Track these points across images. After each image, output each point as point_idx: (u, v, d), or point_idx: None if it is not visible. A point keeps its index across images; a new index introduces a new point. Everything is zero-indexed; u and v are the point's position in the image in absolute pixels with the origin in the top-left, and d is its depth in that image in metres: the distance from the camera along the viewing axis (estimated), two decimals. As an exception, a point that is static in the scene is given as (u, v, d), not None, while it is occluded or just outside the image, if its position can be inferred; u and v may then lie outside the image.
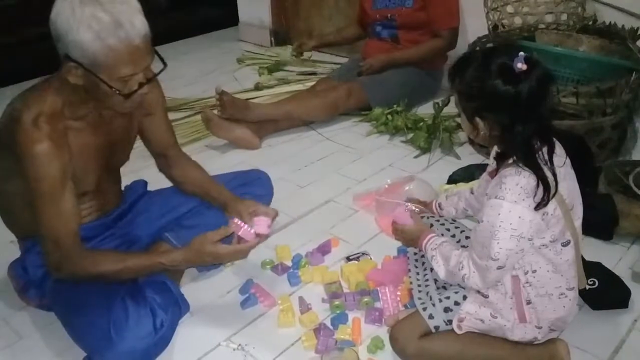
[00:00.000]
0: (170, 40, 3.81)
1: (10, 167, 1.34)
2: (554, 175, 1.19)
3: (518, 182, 1.17)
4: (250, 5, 3.91)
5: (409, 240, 1.49)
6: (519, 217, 1.18)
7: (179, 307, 1.47)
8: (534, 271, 1.25)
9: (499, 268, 1.23)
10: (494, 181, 1.25)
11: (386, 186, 2.07)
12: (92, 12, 1.18)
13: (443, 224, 1.55)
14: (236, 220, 1.48)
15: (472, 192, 1.54)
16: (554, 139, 1.25)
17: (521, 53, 1.16)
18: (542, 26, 2.39)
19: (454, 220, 1.58)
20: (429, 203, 1.68)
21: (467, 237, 1.50)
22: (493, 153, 1.33)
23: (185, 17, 4.15)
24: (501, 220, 1.18)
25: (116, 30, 1.19)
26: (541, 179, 1.17)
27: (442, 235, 1.47)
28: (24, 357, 1.48)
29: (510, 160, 1.21)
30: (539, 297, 1.27)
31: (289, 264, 1.76)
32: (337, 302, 1.56)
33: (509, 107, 1.17)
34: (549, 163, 1.20)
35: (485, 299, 1.30)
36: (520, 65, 1.15)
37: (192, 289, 1.64)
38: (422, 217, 1.59)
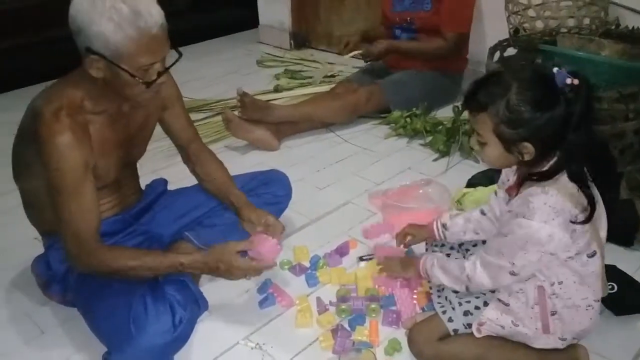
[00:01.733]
0: (191, 41, 3.85)
1: (33, 163, 1.36)
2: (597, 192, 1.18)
3: (546, 201, 1.15)
4: (271, 7, 3.93)
5: (403, 267, 1.52)
6: (549, 235, 1.16)
7: (197, 305, 1.48)
8: (560, 282, 1.24)
9: (512, 274, 1.22)
10: (518, 200, 1.21)
11: (399, 187, 2.07)
12: (112, 4, 1.21)
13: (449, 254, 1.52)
14: (260, 233, 1.49)
15: (482, 213, 1.46)
16: None
17: (560, 69, 1.12)
18: (564, 30, 2.37)
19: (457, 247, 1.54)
20: (425, 226, 1.58)
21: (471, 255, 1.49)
22: (511, 169, 1.31)
23: (205, 18, 4.18)
24: (528, 240, 1.17)
25: (136, 20, 1.22)
26: (588, 195, 1.14)
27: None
28: (46, 351, 1.50)
29: (534, 178, 1.19)
30: (565, 308, 1.25)
31: (307, 264, 1.76)
32: (343, 307, 1.56)
33: (562, 126, 1.13)
34: (590, 178, 1.18)
35: (506, 307, 1.29)
36: (570, 81, 1.11)
37: (211, 287, 1.65)
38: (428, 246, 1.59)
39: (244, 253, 1.43)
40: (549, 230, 1.15)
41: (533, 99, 1.13)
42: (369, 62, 2.91)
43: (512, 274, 1.22)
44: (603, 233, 1.26)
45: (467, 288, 1.32)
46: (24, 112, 1.42)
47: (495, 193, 1.42)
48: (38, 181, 1.39)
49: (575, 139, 1.14)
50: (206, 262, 1.42)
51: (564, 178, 1.17)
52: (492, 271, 1.25)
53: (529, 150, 1.17)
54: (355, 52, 2.76)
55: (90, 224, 1.36)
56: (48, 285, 1.55)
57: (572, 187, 1.16)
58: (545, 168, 1.19)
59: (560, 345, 1.30)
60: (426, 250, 1.61)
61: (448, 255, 1.53)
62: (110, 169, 1.46)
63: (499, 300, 1.30)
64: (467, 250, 1.51)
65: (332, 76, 3.28)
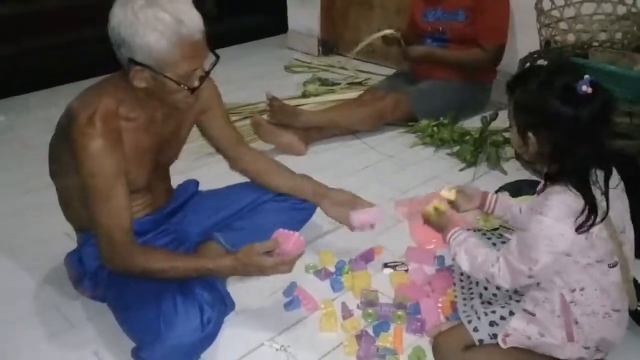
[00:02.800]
0: (220, 46, 3.87)
1: (69, 163, 1.39)
2: (607, 200, 1.17)
3: (564, 200, 1.16)
4: (300, 14, 3.97)
5: (437, 226, 1.48)
6: (561, 234, 1.17)
7: (225, 305, 1.50)
8: (582, 289, 1.23)
9: (530, 277, 1.22)
10: (540, 197, 1.24)
11: (425, 196, 2.07)
12: (154, 14, 1.23)
13: (485, 234, 1.55)
14: (281, 230, 1.51)
15: (520, 212, 1.50)
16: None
17: (587, 76, 1.14)
18: (596, 44, 2.35)
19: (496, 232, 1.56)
20: (476, 195, 1.56)
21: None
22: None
23: (234, 24, 4.22)
24: (542, 236, 1.18)
25: (179, 28, 1.24)
26: (590, 203, 1.15)
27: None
28: (75, 344, 1.53)
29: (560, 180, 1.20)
30: (585, 315, 1.25)
31: (332, 269, 1.77)
32: (370, 311, 1.56)
33: (566, 128, 1.16)
34: (602, 187, 1.18)
35: (533, 317, 1.28)
36: (585, 88, 1.13)
37: (238, 288, 1.67)
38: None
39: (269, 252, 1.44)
40: (561, 229, 1.16)
41: (549, 92, 1.16)
42: (398, 69, 2.91)
43: (530, 277, 1.22)
44: (628, 246, 1.26)
45: (487, 281, 1.31)
46: (58, 109, 1.45)
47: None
48: (73, 180, 1.42)
49: (580, 148, 1.16)
50: (235, 267, 1.43)
51: None
52: (514, 275, 1.24)
53: (531, 140, 1.21)
54: (363, 44, 2.72)
55: (123, 225, 1.38)
56: (80, 281, 1.58)
57: (599, 195, 1.17)
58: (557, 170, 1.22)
59: (585, 354, 1.29)
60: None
61: None
62: (142, 174, 1.48)
63: (525, 310, 1.30)
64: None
65: (360, 83, 3.29)
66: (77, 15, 3.45)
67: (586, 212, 1.15)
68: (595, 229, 1.18)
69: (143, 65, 1.28)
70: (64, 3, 3.46)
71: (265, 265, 1.41)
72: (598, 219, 1.16)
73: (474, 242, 1.35)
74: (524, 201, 1.85)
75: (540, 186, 1.33)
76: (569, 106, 1.14)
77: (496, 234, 1.61)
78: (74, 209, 1.56)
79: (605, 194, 1.18)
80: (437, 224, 1.46)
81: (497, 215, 1.56)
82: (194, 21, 1.27)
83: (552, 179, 1.22)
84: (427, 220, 1.50)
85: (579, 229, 1.16)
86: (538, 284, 1.26)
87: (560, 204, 1.16)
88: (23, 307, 1.66)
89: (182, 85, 1.31)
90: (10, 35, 3.29)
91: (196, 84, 1.34)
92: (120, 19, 1.24)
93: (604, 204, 1.18)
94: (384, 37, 2.80)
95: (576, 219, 1.16)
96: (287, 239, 1.44)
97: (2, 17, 3.26)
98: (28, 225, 2.05)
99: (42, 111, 2.85)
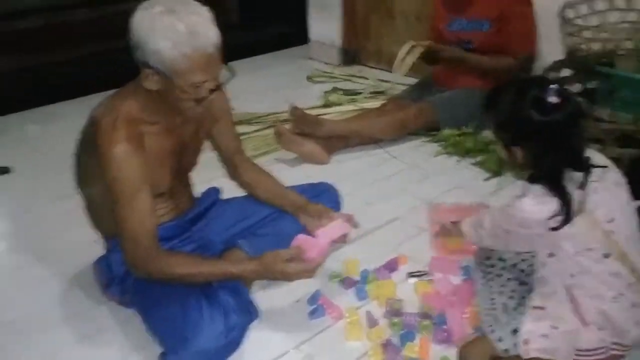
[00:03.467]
0: (242, 56, 3.92)
1: (94, 170, 1.41)
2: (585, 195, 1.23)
3: (535, 192, 1.24)
4: (322, 24, 3.99)
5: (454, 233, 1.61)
6: (529, 211, 1.24)
7: (249, 312, 1.51)
8: (580, 273, 1.26)
9: (507, 232, 1.32)
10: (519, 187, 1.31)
11: (452, 205, 2.06)
12: (170, 23, 1.25)
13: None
14: (301, 236, 1.52)
15: None
16: (609, 160, 1.32)
17: (552, 86, 1.21)
18: (622, 52, 2.32)
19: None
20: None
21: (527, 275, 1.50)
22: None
23: (256, 34, 4.26)
24: (519, 208, 1.26)
25: (192, 40, 1.26)
26: (565, 203, 1.21)
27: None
28: (103, 348, 1.55)
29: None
30: (589, 298, 1.27)
31: (357, 278, 1.77)
32: (396, 320, 1.56)
33: (541, 137, 1.24)
34: (583, 187, 1.23)
35: (543, 311, 1.30)
36: (553, 99, 1.19)
37: (262, 296, 1.67)
38: None
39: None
40: (538, 208, 1.23)
41: (521, 107, 1.23)
42: (421, 78, 2.89)
43: (507, 231, 1.32)
44: (622, 236, 1.26)
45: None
46: (85, 119, 1.48)
47: None
48: (99, 187, 1.45)
49: (554, 153, 1.23)
50: (259, 272, 1.45)
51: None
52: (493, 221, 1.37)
53: (518, 153, 1.29)
54: (404, 66, 2.68)
55: (148, 230, 1.40)
56: (108, 286, 1.61)
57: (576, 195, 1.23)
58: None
59: (603, 339, 1.27)
60: (474, 269, 1.61)
61: (499, 276, 1.53)
62: (164, 178, 1.51)
63: (534, 307, 1.32)
64: (522, 270, 1.50)
65: (382, 93, 3.30)
66: (105, 26, 3.51)
67: (561, 210, 1.21)
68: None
69: (154, 69, 1.30)
70: (92, 15, 3.53)
71: (289, 272, 1.43)
72: (574, 215, 1.21)
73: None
74: None
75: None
76: (542, 117, 1.21)
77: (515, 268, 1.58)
78: (100, 216, 1.58)
79: (582, 188, 1.23)
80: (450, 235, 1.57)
81: None
82: (208, 36, 1.29)
83: (532, 181, 1.28)
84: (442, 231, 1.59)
85: (555, 229, 1.22)
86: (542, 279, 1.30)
87: (538, 190, 1.23)
88: (52, 312, 1.69)
89: (187, 95, 1.34)
90: (40, 46, 3.37)
91: (204, 95, 1.36)
92: (138, 22, 1.28)
93: (582, 198, 1.23)
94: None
95: (551, 218, 1.21)
96: (312, 246, 1.45)
97: (32, 29, 3.34)
98: (58, 232, 2.08)
99: (70, 120, 2.88)
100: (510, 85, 1.30)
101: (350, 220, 1.63)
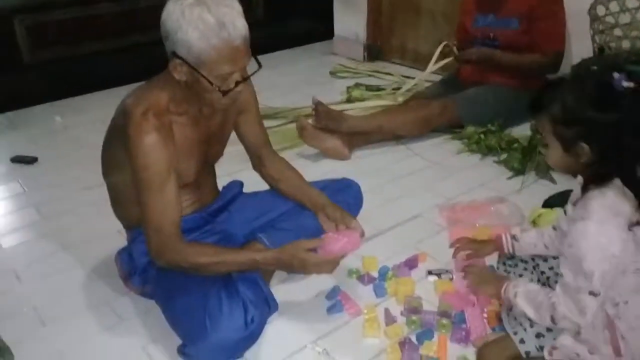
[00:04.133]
0: (267, 51, 3.93)
1: (122, 160, 1.43)
2: None
3: (603, 203, 1.14)
4: (346, 20, 3.97)
5: (485, 282, 1.47)
6: (608, 236, 1.14)
7: (268, 305, 1.51)
8: (626, 302, 1.20)
9: (592, 294, 1.17)
10: (577, 206, 1.22)
11: (469, 203, 2.04)
12: (199, 14, 1.26)
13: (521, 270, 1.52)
14: (331, 233, 1.52)
15: (554, 229, 1.47)
16: None
17: (619, 73, 1.11)
18: (653, 51, 2.27)
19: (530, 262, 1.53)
20: (488, 241, 1.62)
21: (547, 277, 1.46)
22: (579, 181, 1.28)
23: (282, 29, 4.26)
24: (590, 242, 1.15)
25: (220, 31, 1.27)
26: None
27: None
28: (123, 338, 1.57)
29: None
30: (631, 330, 1.21)
31: (375, 274, 1.76)
32: (414, 318, 1.55)
33: (616, 129, 1.12)
34: None
35: (579, 336, 1.25)
36: (626, 84, 1.10)
37: (281, 290, 1.68)
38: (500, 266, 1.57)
39: (314, 250, 1.46)
40: (608, 231, 1.14)
41: (588, 99, 1.13)
42: (445, 75, 2.88)
43: (592, 294, 1.17)
44: None
45: (552, 319, 1.25)
46: (112, 110, 1.50)
47: (565, 212, 1.39)
48: (125, 177, 1.47)
49: (631, 144, 1.13)
50: (279, 258, 1.45)
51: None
52: (573, 296, 1.20)
53: (585, 151, 1.17)
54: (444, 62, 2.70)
55: (172, 219, 1.41)
56: (129, 277, 1.62)
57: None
58: (602, 171, 1.18)
59: None
60: (497, 268, 1.59)
61: (521, 276, 1.51)
62: (190, 168, 1.52)
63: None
64: (543, 272, 1.48)
65: (404, 89, 3.27)
66: (132, 19, 3.55)
67: (630, 207, 1.13)
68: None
69: (182, 59, 1.32)
70: (120, 8, 3.56)
71: (308, 261, 1.43)
72: None
73: (530, 287, 1.32)
74: (548, 222, 1.80)
75: (575, 197, 1.30)
76: (616, 104, 1.11)
77: (536, 270, 1.54)
78: (124, 206, 1.60)
79: None
80: (482, 282, 1.47)
81: (524, 252, 1.53)
82: (237, 27, 1.29)
83: (595, 183, 1.19)
84: (473, 284, 1.51)
85: (633, 226, 1.13)
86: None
87: (600, 208, 1.14)
88: (75, 302, 1.72)
89: (214, 86, 1.34)
90: (67, 38, 3.41)
91: (230, 87, 1.36)
92: (169, 12, 1.30)
93: None
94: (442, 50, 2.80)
95: (623, 217, 1.13)
96: (335, 241, 1.45)
97: (59, 21, 3.38)
98: (82, 222, 2.12)
99: (96, 112, 2.95)
100: (569, 79, 1.20)
101: (361, 234, 1.60)
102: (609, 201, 1.14)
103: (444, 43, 2.75)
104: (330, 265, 1.47)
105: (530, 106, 1.25)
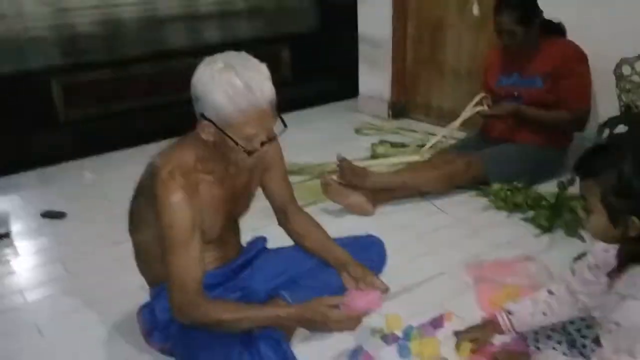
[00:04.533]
0: (294, 109, 4.02)
1: (148, 217, 1.46)
2: None
3: None
4: (371, 78, 4.05)
5: None
6: None
7: (289, 365, 1.48)
8: None
9: None
10: (625, 280, 1.17)
11: (495, 260, 2.00)
12: (228, 79, 1.31)
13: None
14: (354, 291, 1.51)
15: (550, 293, 1.43)
16: None
17: None
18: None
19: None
20: (483, 324, 1.57)
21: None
22: (602, 249, 1.25)
23: (308, 88, 4.36)
24: None
25: (247, 95, 1.31)
26: None
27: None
28: (142, 397, 1.55)
29: None
30: None
31: (400, 334, 1.72)
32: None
33: None
34: None
35: None
36: None
37: (302, 349, 1.65)
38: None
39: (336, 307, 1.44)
40: None
41: None
42: (470, 132, 2.90)
43: None
44: None
45: None
46: (141, 167, 1.54)
47: (572, 272, 1.39)
48: (150, 234, 1.49)
49: None
50: (302, 314, 1.44)
51: None
52: None
53: (635, 225, 1.12)
54: (480, 109, 2.71)
55: (195, 277, 1.42)
56: (150, 333, 1.62)
57: None
58: None
59: None
60: (527, 339, 1.54)
61: (549, 337, 1.46)
62: (215, 225, 1.54)
63: None
64: (570, 334, 1.43)
65: (432, 143, 3.28)
66: (163, 79, 3.68)
67: None
68: None
69: (210, 121, 1.35)
70: (152, 70, 3.70)
71: (330, 317, 1.42)
72: None
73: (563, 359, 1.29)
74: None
75: (604, 264, 1.27)
76: None
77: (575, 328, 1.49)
78: (149, 263, 1.62)
79: None
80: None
81: (524, 325, 1.48)
82: (264, 92, 1.34)
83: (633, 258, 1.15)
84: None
85: None
86: None
87: None
88: (98, 357, 1.71)
89: (240, 147, 1.37)
90: (100, 97, 3.55)
91: (256, 147, 1.39)
92: (199, 76, 1.35)
93: None
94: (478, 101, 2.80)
95: None
96: (358, 298, 1.43)
97: (93, 81, 3.52)
98: (107, 278, 2.13)
99: (126, 168, 3.01)
100: (625, 143, 1.15)
101: (385, 291, 1.59)
102: None
103: (482, 95, 2.74)
104: (352, 322, 1.45)
105: (577, 167, 1.20)
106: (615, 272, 1.21)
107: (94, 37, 3.50)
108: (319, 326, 1.46)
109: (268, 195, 1.75)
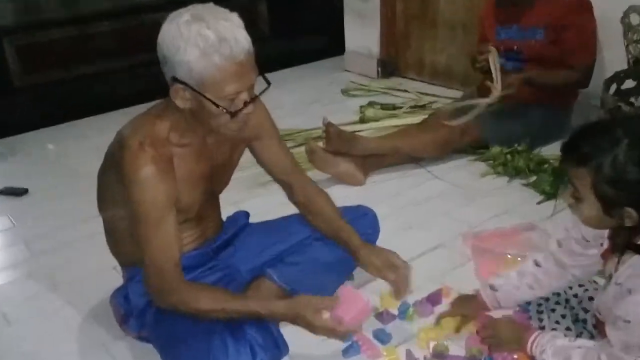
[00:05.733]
0: (272, 69, 3.95)
1: (117, 192, 1.43)
2: None
3: None
4: (358, 34, 4.00)
5: (507, 340, 1.42)
6: None
7: (278, 348, 1.49)
8: None
9: None
10: (626, 272, 1.18)
11: (494, 230, 2.01)
12: (198, 30, 1.25)
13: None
14: (349, 288, 1.51)
15: (537, 265, 1.46)
16: None
17: None
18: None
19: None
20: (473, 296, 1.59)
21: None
22: (608, 232, 1.26)
23: (287, 45, 4.30)
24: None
25: (221, 47, 1.25)
26: None
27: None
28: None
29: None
30: None
31: (395, 312, 1.73)
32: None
33: None
34: None
35: None
36: None
37: (292, 331, 1.64)
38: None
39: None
40: None
41: None
42: (467, 90, 2.88)
43: None
44: None
45: None
46: (110, 137, 1.50)
47: (559, 243, 1.42)
48: (120, 211, 1.46)
49: None
50: (286, 315, 1.44)
51: None
52: None
53: (631, 216, 1.12)
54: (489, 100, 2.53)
55: (172, 258, 1.41)
56: (125, 320, 1.61)
57: None
58: None
59: None
60: (530, 311, 1.56)
61: (552, 310, 1.48)
62: (193, 202, 1.51)
63: None
64: (573, 307, 1.45)
65: (423, 107, 3.27)
66: (129, 39, 3.60)
67: None
68: None
69: (184, 83, 1.30)
70: (118, 25, 3.61)
71: (316, 326, 1.41)
72: None
73: (558, 343, 1.29)
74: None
75: (604, 247, 1.28)
76: None
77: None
78: (120, 242, 1.60)
79: None
80: (502, 340, 1.43)
81: (509, 300, 1.52)
82: (239, 41, 1.27)
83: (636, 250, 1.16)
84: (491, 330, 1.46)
85: None
86: None
87: None
88: (68, 346, 1.71)
89: (221, 108, 1.32)
90: (59, 59, 3.46)
91: (238, 108, 1.34)
92: (165, 34, 1.29)
93: None
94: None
95: None
96: (352, 303, 1.43)
97: (51, 41, 3.43)
98: (76, 259, 2.12)
99: (93, 138, 2.98)
100: (617, 129, 1.11)
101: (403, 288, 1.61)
102: None
103: (489, 49, 2.53)
104: (337, 335, 1.44)
105: (565, 151, 1.18)
106: (609, 253, 1.22)
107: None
108: (302, 327, 1.46)
109: (266, 168, 1.70)
